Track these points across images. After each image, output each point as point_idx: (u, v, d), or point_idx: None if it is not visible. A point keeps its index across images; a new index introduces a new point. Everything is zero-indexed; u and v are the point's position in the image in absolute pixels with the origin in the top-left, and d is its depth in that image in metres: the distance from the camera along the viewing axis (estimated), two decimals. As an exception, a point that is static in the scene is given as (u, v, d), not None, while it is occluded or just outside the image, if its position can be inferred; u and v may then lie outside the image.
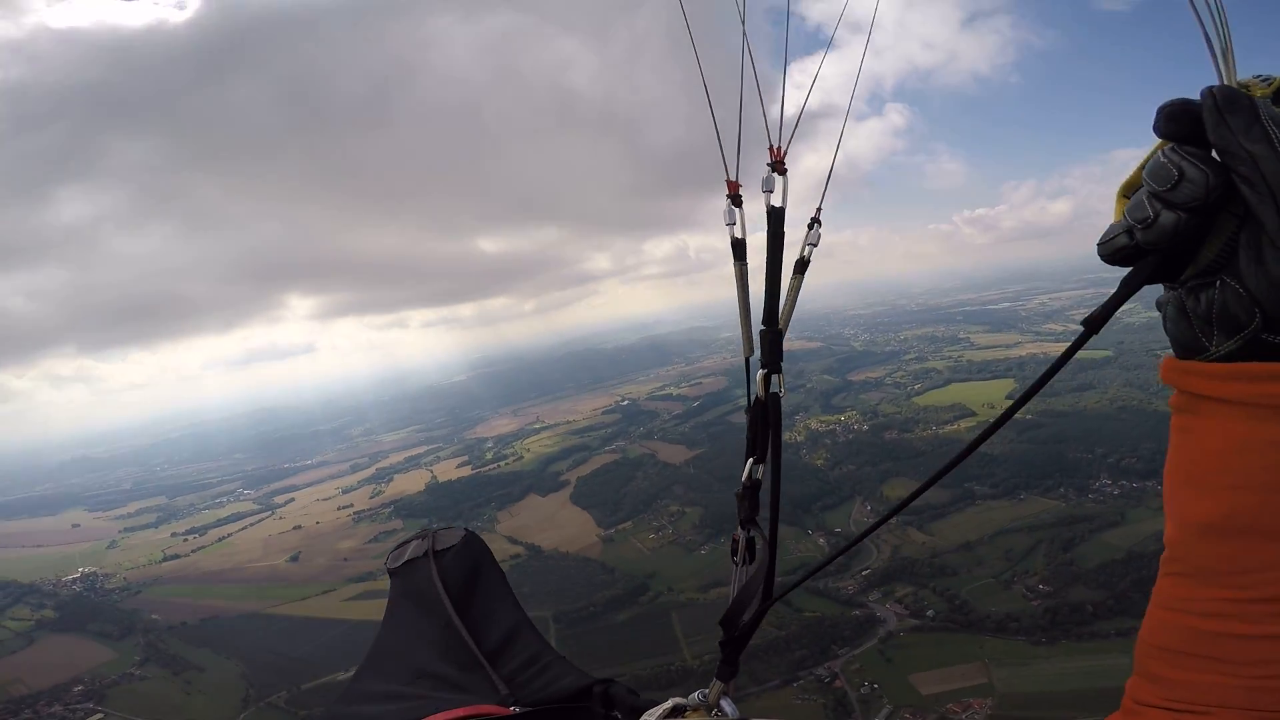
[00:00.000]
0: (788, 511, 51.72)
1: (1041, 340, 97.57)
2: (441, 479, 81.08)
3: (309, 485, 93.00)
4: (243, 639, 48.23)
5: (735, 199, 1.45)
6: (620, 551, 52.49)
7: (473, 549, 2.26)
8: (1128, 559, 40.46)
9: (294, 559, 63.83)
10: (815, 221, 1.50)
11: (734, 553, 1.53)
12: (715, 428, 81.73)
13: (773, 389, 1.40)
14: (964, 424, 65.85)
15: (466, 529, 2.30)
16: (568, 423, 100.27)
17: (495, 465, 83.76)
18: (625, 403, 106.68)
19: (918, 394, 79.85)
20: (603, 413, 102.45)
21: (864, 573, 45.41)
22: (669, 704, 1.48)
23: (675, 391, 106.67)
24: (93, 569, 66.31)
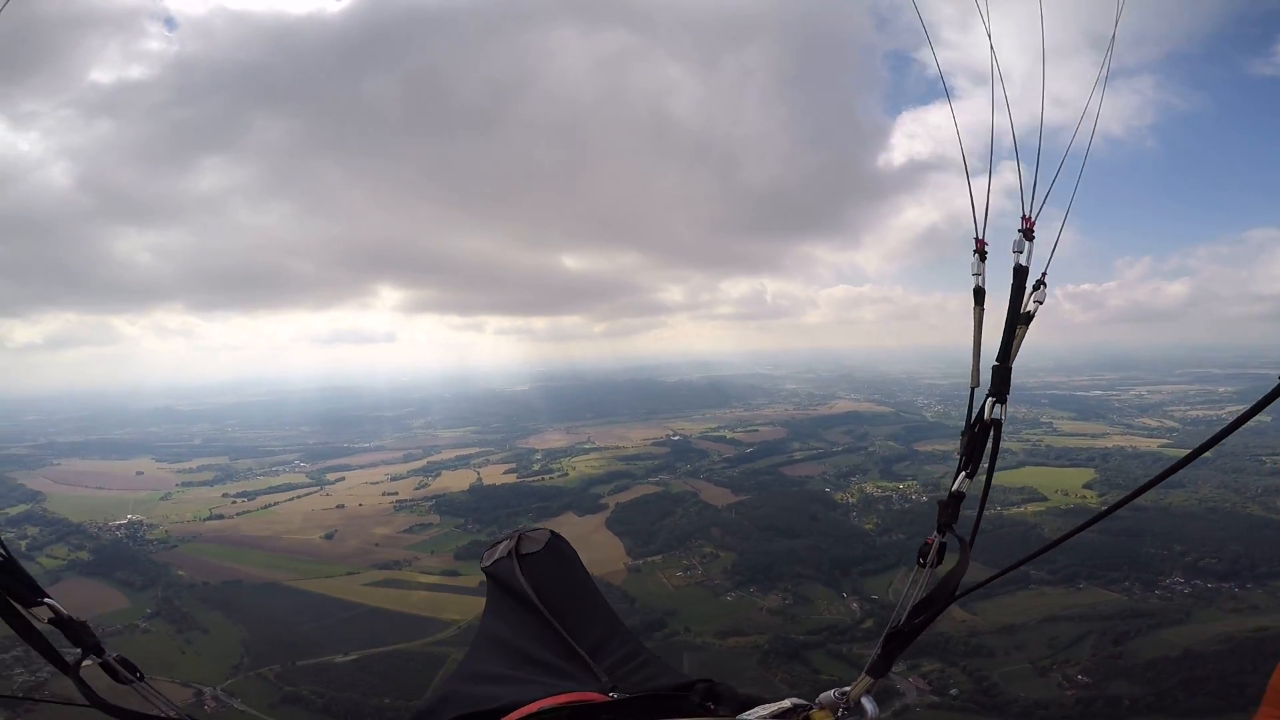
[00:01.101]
0: (823, 571, 49.07)
1: (1132, 434, 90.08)
2: (486, 482, 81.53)
3: (361, 467, 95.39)
4: (256, 607, 48.61)
5: (982, 254, 1.81)
6: (645, 583, 50.57)
7: (559, 551, 2.50)
8: (1183, 657, 37.08)
9: (328, 536, 64.83)
10: (1041, 282, 1.77)
11: (920, 555, 1.76)
12: (765, 477, 79.11)
13: (996, 415, 1.74)
14: (1032, 508, 61.85)
15: (553, 531, 2.54)
16: (617, 448, 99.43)
17: (540, 477, 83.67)
18: (676, 437, 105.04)
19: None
20: (653, 443, 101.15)
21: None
22: (786, 702, 1.61)
23: (730, 435, 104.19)
24: (140, 518, 68.70)
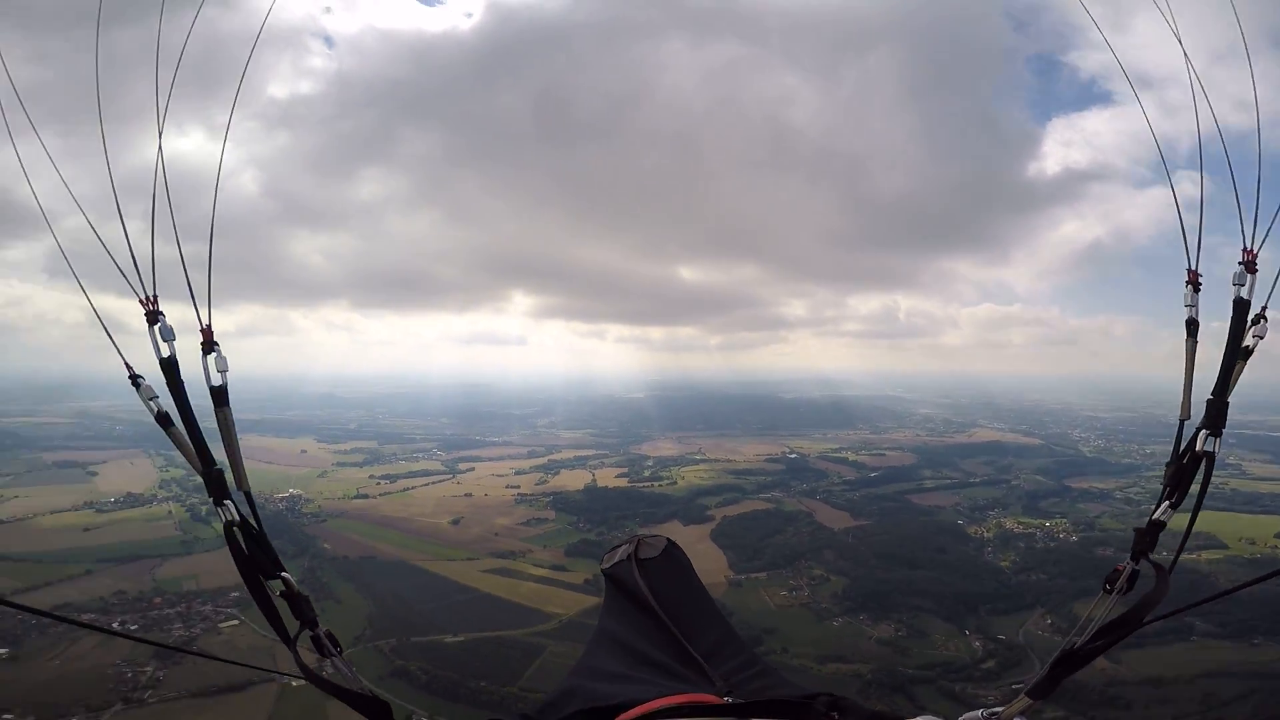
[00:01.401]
0: (945, 605, 45.29)
1: (1340, 484, 75.33)
2: (599, 483, 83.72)
3: (490, 460, 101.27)
4: (384, 583, 51.99)
5: (1195, 285, 1.79)
6: (745, 598, 49.21)
7: (675, 559, 2.61)
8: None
9: (455, 522, 69.15)
10: (1261, 316, 1.73)
11: (1107, 581, 1.74)
12: (889, 503, 74.52)
13: (1208, 448, 1.68)
14: (1206, 555, 53.60)
15: (669, 539, 2.65)
16: (728, 461, 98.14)
17: (650, 483, 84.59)
18: (793, 455, 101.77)
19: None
20: (766, 459, 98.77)
21: (1015, 685, 38.05)
22: (927, 719, 1.59)
23: (853, 457, 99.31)
24: (299, 492, 76.09)
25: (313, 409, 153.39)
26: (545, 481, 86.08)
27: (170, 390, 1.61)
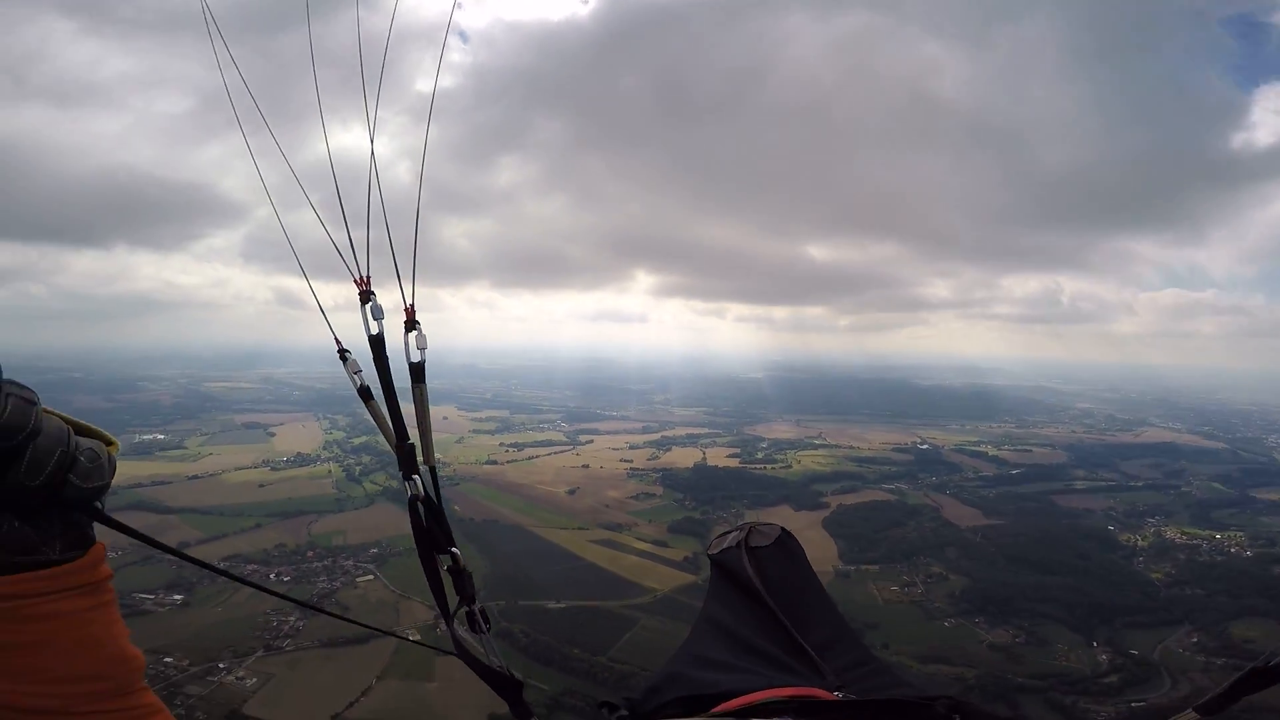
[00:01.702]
0: (1076, 615, 41.02)
1: None
2: (710, 462, 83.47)
3: (607, 433, 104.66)
4: (502, 546, 54.74)
5: None
6: (852, 591, 46.87)
7: (788, 548, 2.52)
8: None
9: (571, 492, 72.10)
10: None
11: None
12: (1030, 503, 67.91)
13: None
14: None
15: (783, 528, 2.56)
16: (850, 448, 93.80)
17: (762, 466, 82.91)
18: (925, 446, 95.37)
19: (1355, 533, 55.38)
20: (893, 449, 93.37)
21: (1136, 704, 34.56)
22: None
23: (993, 451, 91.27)
24: (440, 457, 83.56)
25: (456, 379, 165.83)
26: (657, 457, 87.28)
27: (376, 365, 1.71)
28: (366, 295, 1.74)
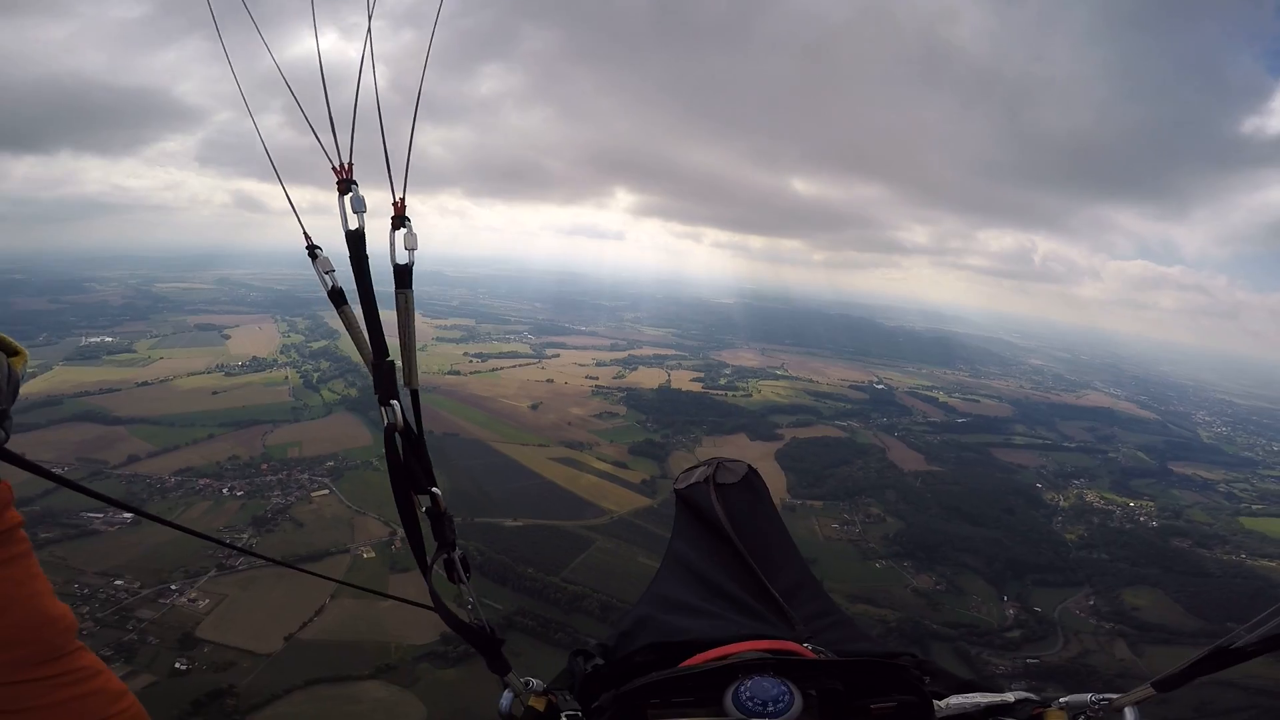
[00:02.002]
0: (993, 567, 43.46)
1: None
2: (673, 385, 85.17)
3: (574, 349, 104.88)
4: (460, 460, 54.72)
5: None
6: (794, 525, 48.96)
7: (754, 487, 2.46)
8: None
9: (534, 407, 72.62)
10: None
11: None
12: (969, 454, 71.25)
13: None
14: None
15: (750, 466, 2.49)
16: (810, 381, 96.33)
17: (724, 393, 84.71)
18: (880, 386, 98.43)
19: (1252, 514, 60.32)
20: (850, 386, 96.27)
21: (1030, 660, 37.75)
22: (1009, 695, 1.52)
23: (944, 398, 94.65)
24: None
25: (422, 285, 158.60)
26: (622, 376, 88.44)
27: (353, 265, 1.48)
28: (347, 185, 1.50)
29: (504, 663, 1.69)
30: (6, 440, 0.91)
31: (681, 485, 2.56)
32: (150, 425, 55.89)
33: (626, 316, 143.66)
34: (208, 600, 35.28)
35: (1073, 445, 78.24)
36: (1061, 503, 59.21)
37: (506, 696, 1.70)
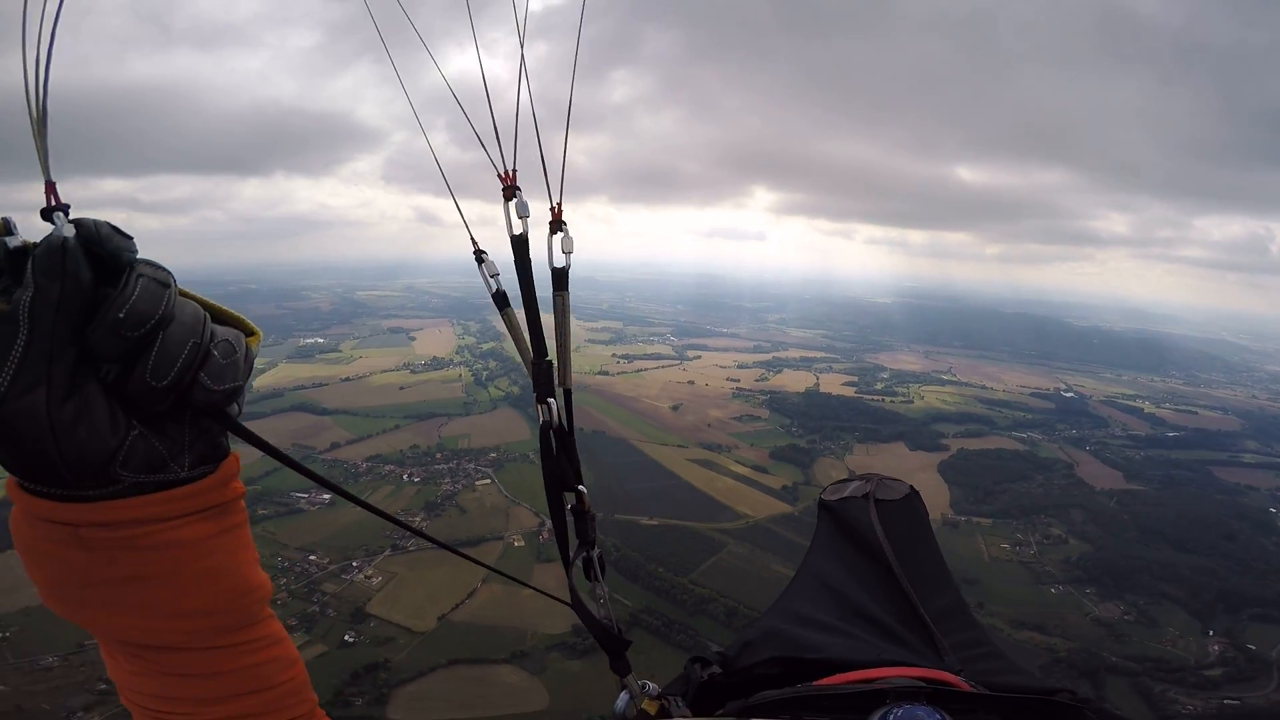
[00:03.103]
0: (1200, 599, 38.15)
1: None
2: (823, 389, 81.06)
3: (716, 350, 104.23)
4: (604, 458, 56.32)
5: None
6: (957, 543, 44.40)
7: (916, 508, 2.31)
8: None
9: (675, 408, 72.92)
10: None
11: None
12: (1183, 471, 60.66)
13: None
14: None
15: (911, 486, 2.35)
16: (983, 388, 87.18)
17: (880, 398, 79.10)
18: (1069, 394, 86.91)
19: None
20: (1032, 393, 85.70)
21: (1229, 700, 31.93)
22: None
23: (1150, 409, 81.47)
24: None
25: (575, 290, 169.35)
26: (765, 379, 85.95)
27: (517, 267, 1.50)
28: (511, 191, 1.54)
29: (626, 664, 1.66)
30: (239, 415, 0.96)
31: (831, 497, 2.36)
32: (349, 416, 63.93)
33: (770, 318, 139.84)
34: (380, 578, 39.24)
35: (1326, 465, 63.40)
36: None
37: (623, 698, 1.67)
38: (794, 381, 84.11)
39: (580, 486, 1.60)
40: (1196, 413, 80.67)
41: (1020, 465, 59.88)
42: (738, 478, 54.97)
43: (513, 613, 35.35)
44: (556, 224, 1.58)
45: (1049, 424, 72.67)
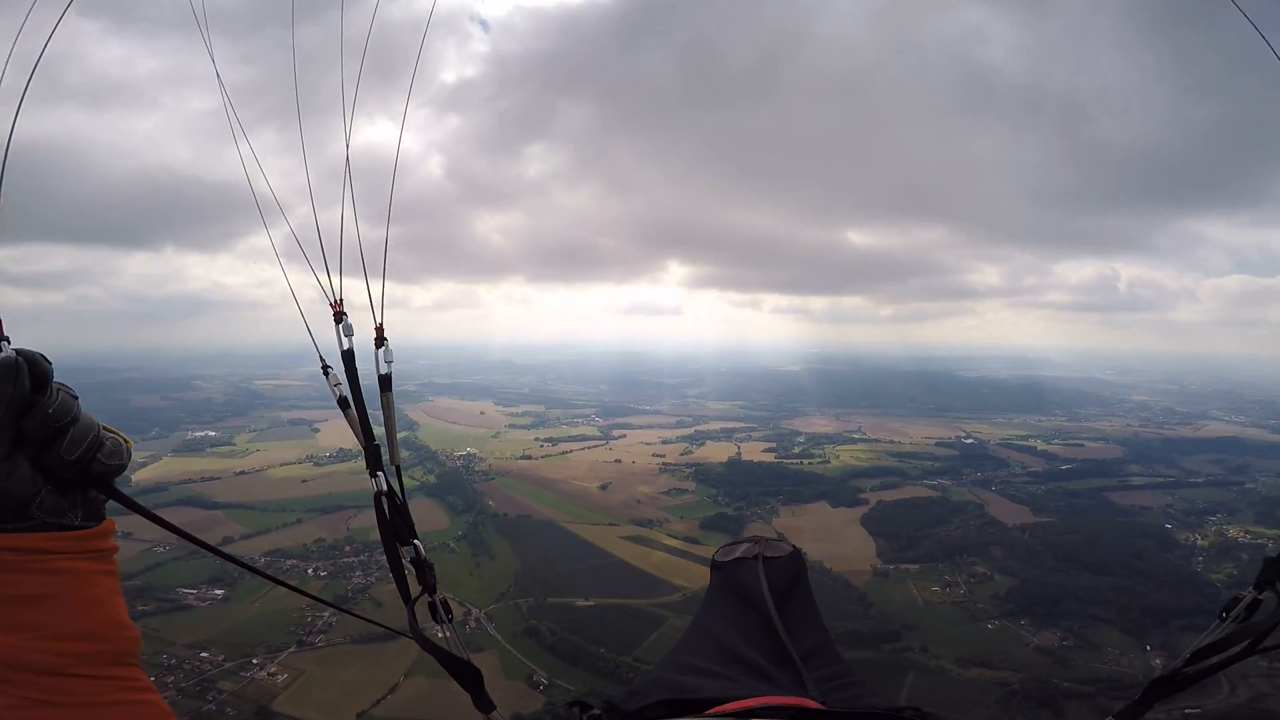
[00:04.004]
0: (1130, 617, 38.70)
1: None
2: (745, 457, 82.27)
3: (640, 428, 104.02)
4: (533, 542, 54.71)
5: None
6: (889, 590, 45.36)
7: (797, 564, 2.59)
8: None
9: (603, 487, 71.70)
10: None
11: (1224, 609, 1.79)
12: (1082, 500, 64.94)
13: None
14: None
15: (794, 546, 2.65)
16: (891, 442, 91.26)
17: (799, 461, 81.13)
18: (969, 440, 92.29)
19: None
20: (936, 444, 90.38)
21: (1190, 710, 32.36)
22: None
23: (1043, 446, 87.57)
24: (475, 451, 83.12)
25: (493, 374, 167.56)
26: (690, 452, 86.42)
27: (346, 375, 1.97)
28: (339, 316, 2.01)
29: (487, 699, 1.86)
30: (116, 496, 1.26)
31: (723, 558, 2.64)
32: (245, 510, 59.15)
33: (690, 393, 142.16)
34: (286, 675, 35.69)
35: (1201, 480, 70.17)
36: (1200, 541, 52.57)
37: None
38: (717, 452, 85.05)
39: (415, 540, 1.91)
40: (1083, 445, 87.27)
41: (936, 511, 62.35)
42: (671, 550, 54.16)
43: (443, 707, 32.32)
44: (379, 340, 2.02)
45: (955, 470, 76.38)
